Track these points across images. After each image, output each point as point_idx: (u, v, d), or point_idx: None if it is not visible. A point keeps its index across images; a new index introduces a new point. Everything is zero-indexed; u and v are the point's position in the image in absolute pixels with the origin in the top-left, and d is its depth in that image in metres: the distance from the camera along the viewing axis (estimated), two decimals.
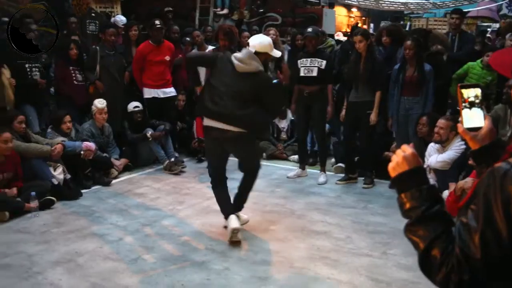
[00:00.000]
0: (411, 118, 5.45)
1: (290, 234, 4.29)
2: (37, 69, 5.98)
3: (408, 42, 5.38)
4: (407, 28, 12.45)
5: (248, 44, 4.16)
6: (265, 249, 3.97)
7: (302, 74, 5.82)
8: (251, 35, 8.09)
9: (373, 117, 5.49)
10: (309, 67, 5.78)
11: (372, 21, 14.12)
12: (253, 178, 4.37)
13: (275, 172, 6.38)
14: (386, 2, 11.60)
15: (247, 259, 3.79)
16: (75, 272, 3.55)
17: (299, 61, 5.86)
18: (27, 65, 5.88)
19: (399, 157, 1.44)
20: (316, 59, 5.76)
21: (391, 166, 1.45)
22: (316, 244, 4.08)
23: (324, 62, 5.75)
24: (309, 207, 5.01)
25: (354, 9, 13.38)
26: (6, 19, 7.20)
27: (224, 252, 3.91)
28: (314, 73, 5.76)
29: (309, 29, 5.87)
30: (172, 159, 6.34)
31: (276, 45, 7.48)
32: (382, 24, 10.06)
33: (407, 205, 1.37)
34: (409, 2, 11.98)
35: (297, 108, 6.08)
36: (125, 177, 6.11)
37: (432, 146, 4.94)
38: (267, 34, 7.53)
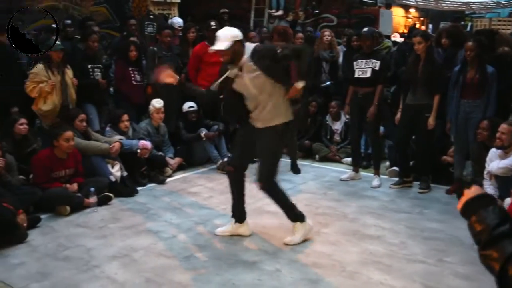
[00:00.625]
0: (471, 122, 5.26)
1: (342, 238, 4.23)
2: (98, 69, 6.21)
3: (470, 44, 5.20)
4: (468, 29, 12.01)
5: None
6: (317, 251, 3.94)
7: (356, 75, 5.74)
8: (306, 36, 8.12)
9: (431, 120, 5.34)
10: (363, 68, 5.69)
11: (430, 21, 13.71)
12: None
13: (328, 174, 6.33)
14: (446, 2, 11.25)
15: (299, 261, 3.77)
16: (130, 267, 3.65)
17: (354, 63, 5.79)
18: (89, 66, 6.12)
19: (465, 193, 1.44)
20: (371, 60, 5.67)
21: (459, 201, 1.45)
22: (369, 248, 4.01)
23: (379, 62, 5.65)
24: (362, 211, 4.93)
25: (412, 10, 13.06)
26: (69, 21, 7.53)
27: (276, 253, 3.90)
28: (368, 74, 5.67)
29: (365, 29, 5.80)
30: (225, 159, 6.39)
31: (331, 46, 7.49)
32: (442, 25, 9.75)
33: (477, 228, 1.34)
34: (471, 2, 11.57)
35: (351, 109, 5.99)
36: (179, 176, 6.23)
37: (493, 152, 4.74)
38: (322, 35, 7.53)
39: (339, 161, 6.88)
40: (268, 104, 3.83)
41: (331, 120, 7.21)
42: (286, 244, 4.00)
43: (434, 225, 4.54)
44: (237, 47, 3.73)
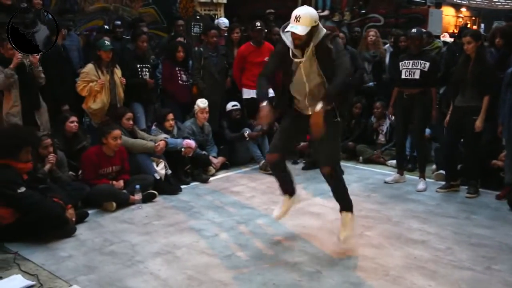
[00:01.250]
0: None
1: (386, 241, 4.16)
2: (147, 69, 6.35)
3: None
4: None
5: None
6: (359, 254, 3.88)
7: (403, 76, 5.62)
8: (352, 37, 8.02)
9: (478, 123, 5.15)
10: (411, 69, 5.57)
11: (483, 21, 13.27)
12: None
13: (372, 176, 6.23)
14: (501, 0, 10.84)
15: (340, 263, 3.73)
16: (173, 264, 3.71)
17: (400, 63, 5.67)
18: (138, 66, 6.26)
19: None
20: (419, 61, 5.53)
21: None
22: (413, 253, 3.92)
23: (428, 64, 5.50)
24: (407, 214, 4.82)
25: (463, 9, 12.68)
26: (119, 22, 7.74)
27: (317, 254, 3.88)
28: (416, 76, 5.54)
29: (413, 30, 5.68)
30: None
31: (375, 46, 7.37)
32: (495, 24, 9.40)
33: None
34: None
35: (396, 111, 5.87)
36: (222, 175, 6.29)
37: None
38: (367, 35, 7.43)
39: (383, 163, 6.76)
40: (316, 93, 3.67)
41: (376, 121, 7.09)
42: (342, 241, 3.89)
43: (482, 231, 4.39)
44: (313, 31, 3.53)
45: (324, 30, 3.62)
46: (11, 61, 5.12)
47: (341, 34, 7.10)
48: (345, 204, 4.01)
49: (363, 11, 9.35)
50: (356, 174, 6.30)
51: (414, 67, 5.55)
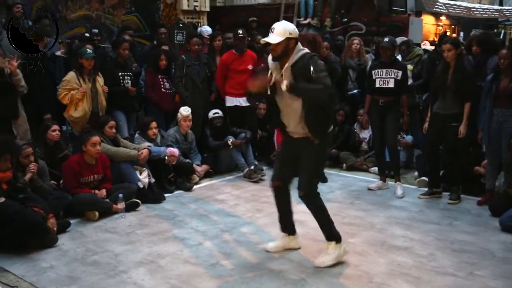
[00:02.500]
0: (504, 132, 5.13)
1: (370, 248, 4.17)
2: (128, 77, 6.32)
3: (504, 51, 5.11)
4: (501, 37, 11.73)
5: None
6: (343, 261, 3.88)
7: (378, 85, 5.71)
8: (335, 44, 8.07)
9: (462, 129, 5.23)
10: (385, 78, 5.66)
11: (462, 29, 13.47)
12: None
13: (355, 183, 6.26)
14: (479, 10, 11.02)
15: (325, 270, 3.73)
16: (157, 273, 3.68)
17: (373, 72, 5.76)
18: (120, 73, 6.22)
19: None
20: (392, 69, 5.64)
21: None
22: (397, 259, 3.94)
23: (400, 72, 5.65)
24: (390, 221, 4.85)
25: (443, 17, 12.86)
26: (96, 30, 7.70)
27: (301, 262, 3.88)
28: (391, 84, 5.65)
29: (385, 39, 5.79)
30: (252, 167, 6.40)
31: (359, 54, 7.44)
32: (473, 32, 9.55)
33: None
34: (505, 9, 11.30)
35: (372, 118, 5.94)
36: (206, 183, 6.26)
37: None
38: (351, 44, 7.49)
39: (366, 170, 6.81)
40: (297, 116, 3.64)
41: (359, 129, 7.14)
42: (317, 267, 3.75)
43: (465, 237, 4.44)
44: (290, 45, 3.54)
45: (305, 50, 3.61)
46: None
47: (325, 43, 7.16)
48: (327, 233, 3.86)
49: (345, 19, 9.42)
50: (339, 181, 6.33)
51: (388, 76, 5.65)
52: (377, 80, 5.70)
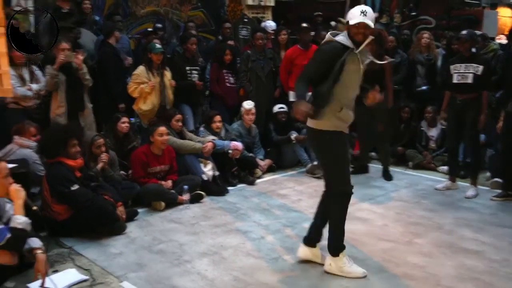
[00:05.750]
0: None
1: (437, 250, 4.03)
2: (196, 71, 6.43)
3: None
4: None
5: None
6: (408, 262, 3.78)
7: (455, 80, 5.44)
8: (401, 39, 7.85)
9: None
10: (463, 73, 5.39)
11: None
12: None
13: (422, 182, 6.07)
14: None
15: (388, 270, 3.64)
16: (220, 265, 3.73)
17: (451, 67, 5.49)
18: (187, 68, 6.35)
19: None
20: (472, 64, 5.35)
21: None
22: (466, 263, 3.78)
23: (481, 67, 5.30)
24: (459, 223, 4.66)
25: None
26: (159, 25, 7.89)
27: (365, 260, 3.80)
28: (469, 80, 5.35)
29: (463, 32, 5.48)
30: (315, 163, 6.34)
31: (429, 49, 7.19)
32: None
33: None
34: None
35: (449, 116, 5.69)
36: (268, 177, 6.28)
37: None
38: (420, 38, 7.25)
39: (434, 169, 6.58)
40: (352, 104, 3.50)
41: (427, 126, 6.90)
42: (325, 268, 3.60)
43: None
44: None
45: None
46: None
47: (391, 37, 6.98)
48: (333, 244, 3.60)
49: (414, 13, 9.14)
50: (405, 180, 6.16)
51: (467, 71, 5.37)
52: (455, 76, 5.43)
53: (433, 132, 6.86)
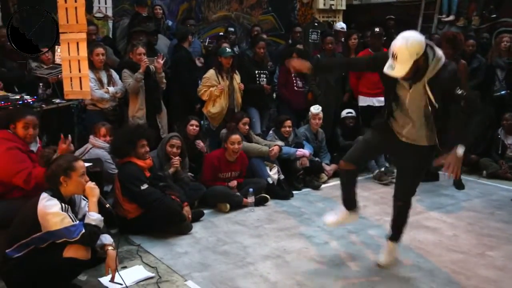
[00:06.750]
0: None
1: (511, 264, 3.82)
2: (264, 75, 6.50)
3: None
4: None
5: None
6: (480, 275, 3.61)
7: None
8: (480, 43, 7.51)
9: None
10: None
11: None
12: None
13: (497, 192, 5.77)
14: None
15: (458, 283, 3.50)
16: (282, 268, 3.74)
17: None
18: (256, 72, 6.43)
19: None
20: None
21: None
22: None
23: None
24: None
25: None
26: (232, 29, 8.03)
27: (432, 271, 3.68)
28: None
29: None
30: (382, 169, 6.21)
31: (510, 52, 6.81)
32: None
33: None
34: None
35: None
36: (334, 182, 6.19)
37: None
38: (500, 41, 6.90)
39: (510, 179, 6.23)
40: (415, 124, 3.35)
41: (504, 134, 6.56)
42: (382, 264, 3.75)
43: None
44: (420, 63, 3.04)
45: (443, 59, 3.12)
46: (139, 66, 5.52)
47: (471, 41, 6.72)
48: (399, 235, 3.81)
49: (494, 15, 8.69)
50: (478, 189, 5.88)
51: None
52: None
53: (511, 140, 6.50)
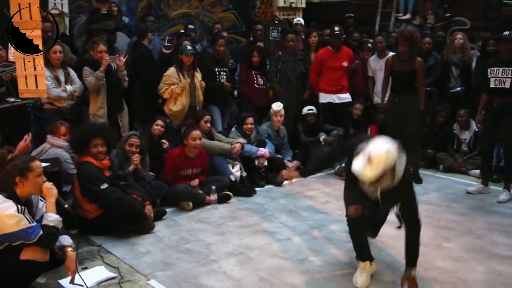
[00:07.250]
0: None
1: (467, 255, 3.95)
2: (224, 73, 6.49)
3: None
4: None
5: None
6: (437, 266, 3.72)
7: (492, 85, 5.31)
8: (435, 41, 7.71)
9: None
10: (501, 77, 5.26)
11: None
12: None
13: (452, 186, 5.95)
14: None
15: (417, 274, 3.57)
16: (246, 265, 3.75)
17: (489, 70, 5.36)
18: (216, 69, 6.40)
19: None
20: (510, 68, 5.21)
21: None
22: (498, 269, 3.70)
23: None
24: (491, 227, 4.56)
25: None
26: (191, 26, 7.99)
27: (392, 264, 3.76)
28: (507, 85, 5.23)
29: (506, 33, 5.33)
30: (343, 165, 6.30)
31: (463, 50, 7.03)
32: None
33: None
34: None
35: (484, 119, 5.57)
36: (296, 179, 6.25)
37: None
38: (454, 38, 7.11)
39: (465, 173, 6.44)
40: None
41: (459, 129, 6.77)
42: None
43: None
44: (386, 175, 3.04)
45: (403, 165, 3.12)
46: (100, 64, 5.41)
47: (427, 39, 6.92)
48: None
49: (448, 14, 8.95)
50: (435, 183, 6.06)
51: (505, 75, 5.24)
52: (492, 80, 5.31)
53: (466, 135, 6.72)
